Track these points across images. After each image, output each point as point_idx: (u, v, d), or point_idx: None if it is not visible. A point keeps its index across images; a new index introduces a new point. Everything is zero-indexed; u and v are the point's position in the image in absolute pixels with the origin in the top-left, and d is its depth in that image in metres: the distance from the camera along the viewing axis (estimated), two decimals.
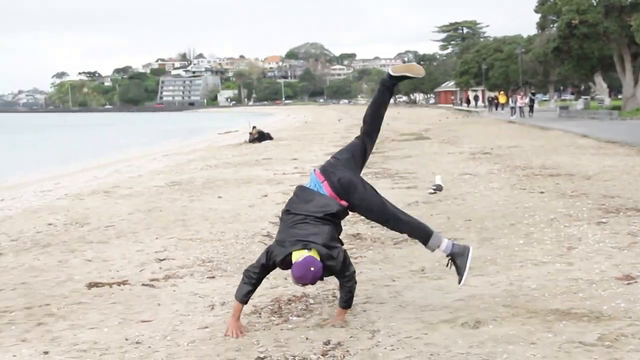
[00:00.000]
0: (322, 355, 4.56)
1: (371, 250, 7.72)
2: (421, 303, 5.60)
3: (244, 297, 5.14)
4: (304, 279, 4.90)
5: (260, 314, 5.58)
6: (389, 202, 5.40)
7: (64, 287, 6.76)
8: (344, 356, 4.52)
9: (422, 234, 5.39)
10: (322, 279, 5.09)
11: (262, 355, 4.59)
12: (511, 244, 7.63)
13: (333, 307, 5.59)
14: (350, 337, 4.87)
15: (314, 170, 5.47)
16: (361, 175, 5.48)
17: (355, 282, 5.22)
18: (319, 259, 4.92)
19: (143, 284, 6.73)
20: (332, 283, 6.35)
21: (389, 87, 5.68)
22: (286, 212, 5.26)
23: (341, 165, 5.36)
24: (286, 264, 5.01)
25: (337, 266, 5.03)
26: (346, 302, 5.21)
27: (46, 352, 4.89)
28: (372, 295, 5.93)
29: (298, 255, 4.92)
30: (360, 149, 5.54)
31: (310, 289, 6.16)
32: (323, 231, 5.06)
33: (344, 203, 5.25)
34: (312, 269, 4.86)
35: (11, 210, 13.16)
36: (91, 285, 6.72)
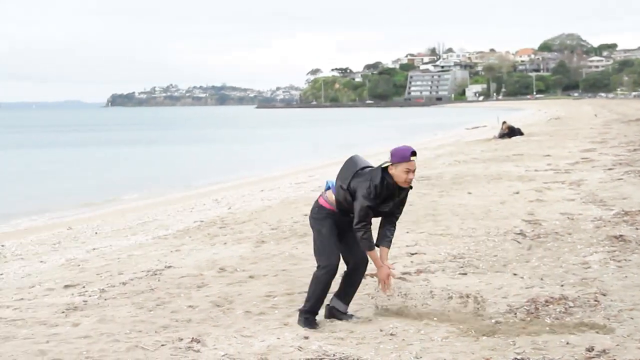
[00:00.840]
0: None
1: (636, 254, 7.17)
2: None
3: (373, 244, 5.32)
4: (404, 149, 5.20)
5: (515, 313, 5.40)
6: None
7: None
8: None
9: None
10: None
11: (519, 357, 4.43)
12: None
13: (595, 312, 5.27)
14: (617, 345, 4.55)
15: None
16: None
17: None
18: None
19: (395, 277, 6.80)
20: (593, 285, 6.00)
21: None
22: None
23: None
24: (387, 184, 5.18)
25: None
26: (391, 241, 5.51)
27: (306, 337, 5.11)
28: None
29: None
30: None
31: (569, 291, 5.86)
32: None
33: None
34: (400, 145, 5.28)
35: (270, 200, 14.01)
36: None
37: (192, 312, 5.87)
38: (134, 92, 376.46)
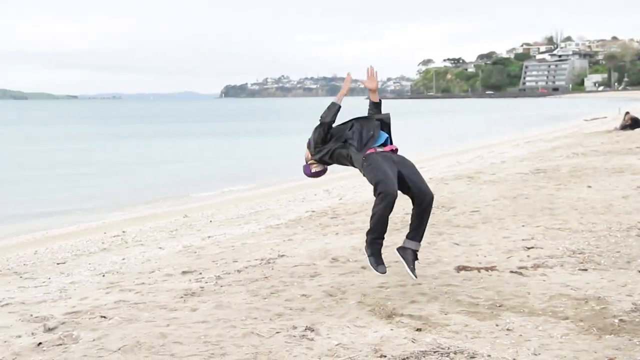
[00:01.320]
0: None
1: None
2: None
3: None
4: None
5: None
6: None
7: (434, 268, 6.94)
8: None
9: None
10: None
11: None
12: None
13: None
14: None
15: None
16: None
17: None
18: None
19: (511, 271, 6.64)
20: None
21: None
22: None
23: None
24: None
25: None
26: None
27: (419, 329, 5.05)
28: None
29: None
30: None
31: None
32: None
33: None
34: None
35: None
36: (460, 269, 6.80)
37: (305, 300, 5.92)
38: (246, 84, 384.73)
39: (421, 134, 43.90)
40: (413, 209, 5.94)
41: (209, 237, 10.15)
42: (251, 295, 6.15)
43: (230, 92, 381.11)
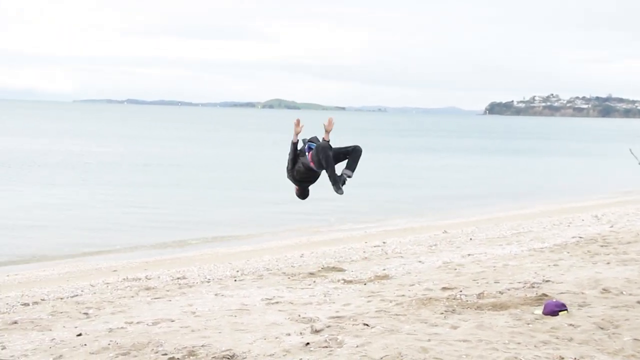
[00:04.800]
0: None
1: None
2: None
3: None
4: None
5: None
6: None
7: None
8: None
9: None
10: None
11: None
12: None
13: None
14: None
15: None
16: None
17: None
18: None
19: None
20: None
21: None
22: None
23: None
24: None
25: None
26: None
27: None
28: None
29: None
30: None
31: None
32: None
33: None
34: None
35: None
36: None
37: (573, 330, 5.59)
38: (512, 101, 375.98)
39: None
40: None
41: (469, 255, 10.03)
42: (514, 319, 5.95)
43: (495, 109, 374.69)
